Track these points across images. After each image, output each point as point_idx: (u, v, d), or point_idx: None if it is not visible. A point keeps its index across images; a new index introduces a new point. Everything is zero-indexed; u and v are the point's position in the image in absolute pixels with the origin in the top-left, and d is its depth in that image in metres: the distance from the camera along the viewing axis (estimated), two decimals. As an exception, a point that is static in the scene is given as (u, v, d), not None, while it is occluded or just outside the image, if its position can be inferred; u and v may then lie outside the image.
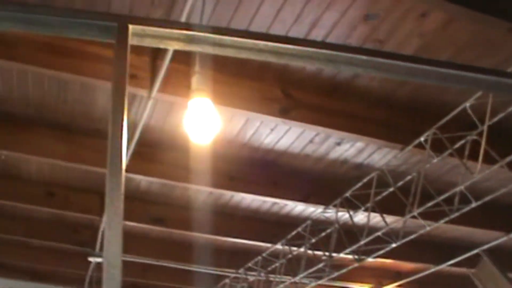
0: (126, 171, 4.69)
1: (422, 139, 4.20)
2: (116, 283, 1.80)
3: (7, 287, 9.01)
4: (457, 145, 4.13)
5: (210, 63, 3.40)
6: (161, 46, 1.79)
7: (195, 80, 3.29)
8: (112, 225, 1.87)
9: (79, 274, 8.13)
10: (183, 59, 3.60)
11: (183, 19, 3.04)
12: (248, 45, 1.80)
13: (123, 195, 1.94)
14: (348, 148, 4.70)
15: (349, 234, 5.46)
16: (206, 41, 1.79)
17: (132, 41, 1.72)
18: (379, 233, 5.07)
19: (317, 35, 3.45)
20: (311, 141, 4.62)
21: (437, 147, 4.22)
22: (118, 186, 1.91)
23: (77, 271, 8.06)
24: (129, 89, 1.67)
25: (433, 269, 6.89)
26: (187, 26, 1.85)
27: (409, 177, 4.70)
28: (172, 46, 1.83)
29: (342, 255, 5.66)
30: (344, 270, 6.01)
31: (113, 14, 2.03)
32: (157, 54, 3.71)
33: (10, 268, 8.63)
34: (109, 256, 1.82)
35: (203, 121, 3.31)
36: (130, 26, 1.74)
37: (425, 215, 4.68)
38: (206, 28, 1.77)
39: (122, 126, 1.73)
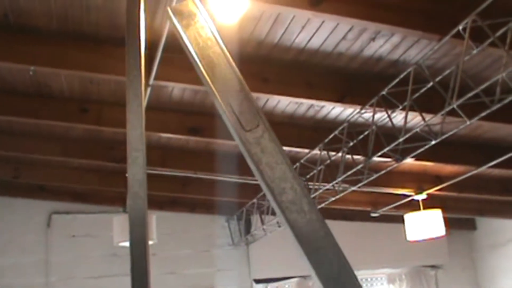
0: (156, 78, 4.63)
1: (460, 27, 3.98)
2: (139, 167, 1.75)
3: (51, 210, 9.23)
4: (499, 33, 3.90)
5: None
6: None
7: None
8: (132, 108, 1.81)
9: (120, 192, 8.25)
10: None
11: None
12: None
13: (143, 75, 1.85)
14: (383, 43, 4.51)
15: (387, 136, 5.35)
16: None
17: None
18: (417, 129, 4.92)
19: None
20: (344, 38, 4.43)
21: (478, 36, 4.01)
22: (137, 65, 1.82)
23: (118, 189, 8.17)
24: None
25: (474, 171, 6.76)
26: None
27: (447, 72, 4.51)
28: None
29: (380, 157, 5.55)
30: (383, 172, 5.92)
31: None
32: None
33: (51, 190, 8.81)
34: (132, 140, 1.77)
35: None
36: None
37: (465, 110, 4.50)
38: None
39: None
